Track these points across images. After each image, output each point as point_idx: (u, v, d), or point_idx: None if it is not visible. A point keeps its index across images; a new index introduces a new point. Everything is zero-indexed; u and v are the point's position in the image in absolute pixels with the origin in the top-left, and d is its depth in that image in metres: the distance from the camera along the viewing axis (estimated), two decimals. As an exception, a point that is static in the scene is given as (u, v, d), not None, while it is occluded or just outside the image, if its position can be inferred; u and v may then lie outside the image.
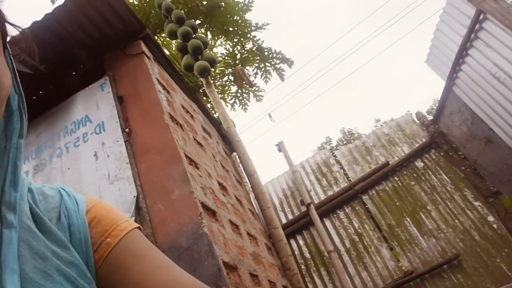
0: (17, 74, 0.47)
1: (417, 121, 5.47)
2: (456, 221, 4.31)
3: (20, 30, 0.49)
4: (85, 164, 2.47)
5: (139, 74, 2.92)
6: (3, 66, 0.44)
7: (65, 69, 3.16)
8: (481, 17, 4.04)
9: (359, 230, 4.66)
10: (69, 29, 2.81)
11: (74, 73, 3.21)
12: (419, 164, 4.90)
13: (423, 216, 4.50)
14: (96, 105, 2.77)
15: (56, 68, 3.06)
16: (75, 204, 0.55)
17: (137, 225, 0.59)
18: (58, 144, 2.66)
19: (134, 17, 3.02)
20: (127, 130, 2.58)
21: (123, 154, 2.42)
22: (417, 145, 5.06)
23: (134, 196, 2.19)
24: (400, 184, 4.83)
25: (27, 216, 0.47)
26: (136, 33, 3.15)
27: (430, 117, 5.58)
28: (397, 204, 4.68)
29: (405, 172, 4.89)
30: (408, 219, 4.54)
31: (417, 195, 4.66)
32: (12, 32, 0.49)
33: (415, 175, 4.82)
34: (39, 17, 2.61)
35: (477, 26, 4.21)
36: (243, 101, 6.99)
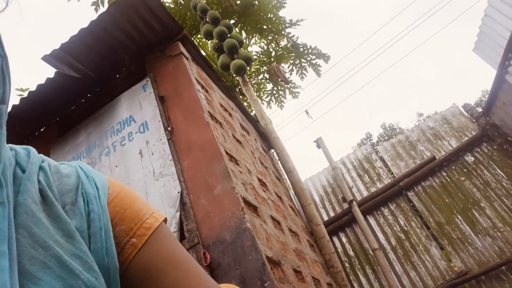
0: (0, 35, 0.41)
1: (465, 113, 5.13)
2: (515, 218, 3.98)
3: None
4: (131, 162, 2.56)
5: (179, 74, 2.99)
6: None
7: (109, 72, 3.31)
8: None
9: (405, 228, 4.45)
10: (113, 33, 2.94)
11: (117, 75, 3.36)
12: (469, 158, 4.59)
13: (476, 214, 4.20)
14: (139, 106, 2.87)
15: (101, 72, 3.22)
16: (95, 189, 0.51)
17: (163, 217, 0.55)
18: (106, 143, 2.79)
19: (172, 19, 3.09)
20: (169, 128, 2.65)
21: (167, 152, 2.48)
22: (466, 138, 4.74)
23: (179, 192, 2.24)
24: (449, 179, 4.55)
25: (32, 199, 0.42)
26: (174, 34, 3.23)
27: (479, 110, 5.22)
28: (446, 200, 4.41)
29: (453, 167, 4.60)
30: (459, 216, 4.26)
31: (469, 192, 4.36)
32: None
33: (465, 170, 4.53)
34: (84, 24, 2.75)
35: (533, 7, 3.87)
36: (279, 98, 6.95)
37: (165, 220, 0.56)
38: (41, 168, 0.47)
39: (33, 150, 0.50)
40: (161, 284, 0.47)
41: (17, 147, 0.49)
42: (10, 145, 0.47)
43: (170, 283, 0.48)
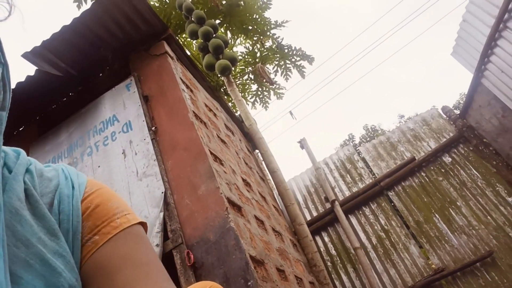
0: (1, 43, 0.41)
1: (444, 116, 5.30)
2: (489, 217, 4.15)
3: None
4: (114, 162, 2.54)
5: (163, 73, 2.98)
6: None
7: (92, 71, 3.26)
8: (510, 6, 3.88)
9: (385, 227, 4.57)
10: (96, 31, 2.90)
11: (101, 74, 3.31)
12: (447, 159, 4.75)
13: (452, 213, 4.35)
14: (123, 105, 2.84)
15: (84, 70, 3.17)
16: (70, 189, 0.49)
17: (138, 220, 0.51)
18: (88, 143, 2.75)
19: (157, 18, 3.08)
20: (153, 128, 2.64)
21: (150, 152, 2.47)
22: (444, 139, 4.90)
23: (162, 192, 2.24)
24: (428, 179, 4.69)
25: (17, 197, 0.42)
26: (159, 33, 3.22)
27: (457, 112, 5.40)
28: (425, 200, 4.55)
29: (432, 168, 4.75)
30: (437, 215, 4.41)
31: (446, 191, 4.51)
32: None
33: (443, 170, 4.68)
34: (67, 21, 2.71)
35: (506, 16, 4.04)
36: (263, 99, 7.00)
37: (143, 225, 0.53)
38: (27, 170, 0.48)
39: (23, 152, 0.50)
40: (112, 282, 0.44)
41: (8, 149, 0.49)
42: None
43: (122, 282, 0.44)
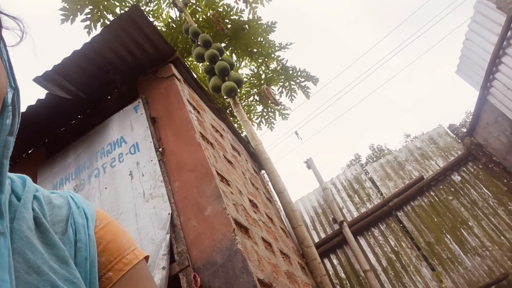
0: (12, 67, 0.42)
1: (451, 134, 5.26)
2: (502, 237, 4.03)
3: (15, 20, 0.43)
4: (121, 183, 2.54)
5: (171, 95, 3.02)
6: None
7: (101, 94, 3.32)
8: (513, 23, 3.93)
9: (395, 248, 4.46)
10: (106, 56, 2.98)
11: (109, 97, 3.37)
12: (456, 177, 4.68)
13: (465, 233, 4.25)
14: (130, 127, 2.87)
15: (93, 93, 3.23)
16: (85, 219, 0.52)
17: (144, 255, 0.56)
18: (96, 164, 2.77)
19: (164, 42, 3.16)
20: (160, 149, 2.65)
21: (157, 173, 2.47)
22: (453, 158, 4.85)
23: (169, 214, 2.22)
24: (437, 199, 4.61)
25: (27, 226, 0.43)
26: (166, 57, 3.28)
27: (464, 130, 5.37)
28: (435, 220, 4.46)
29: (441, 187, 4.68)
30: (448, 236, 4.30)
31: (457, 211, 4.42)
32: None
33: (452, 189, 4.60)
34: (77, 46, 2.79)
35: (509, 33, 4.07)
36: (269, 119, 7.03)
37: (146, 258, 0.57)
38: (35, 197, 0.49)
39: (28, 179, 0.51)
40: None
41: (13, 175, 0.50)
42: None
43: None
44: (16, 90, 0.43)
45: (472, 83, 5.56)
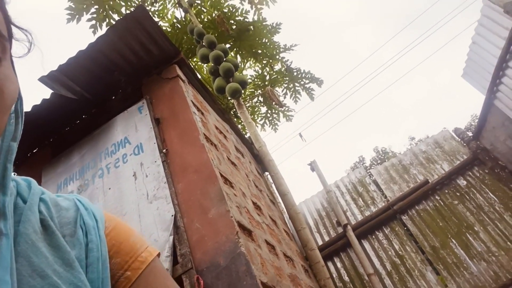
0: (17, 77, 0.44)
1: (457, 138, 5.22)
2: (509, 243, 3.98)
3: (25, 32, 0.45)
4: (125, 184, 2.53)
5: (175, 96, 3.01)
6: (9, 71, 0.40)
7: (106, 94, 3.32)
8: (521, 26, 3.88)
9: (400, 252, 4.42)
10: (110, 56, 2.98)
11: (114, 97, 3.37)
12: (462, 182, 4.63)
13: (470, 238, 4.20)
14: (134, 127, 2.87)
15: (98, 94, 3.23)
16: (94, 220, 0.53)
17: (157, 252, 0.57)
18: (100, 165, 2.76)
19: (169, 43, 3.15)
20: (164, 150, 2.64)
21: (161, 174, 2.46)
22: (458, 162, 4.80)
23: (172, 215, 2.20)
24: (442, 203, 4.57)
25: (33, 228, 0.43)
26: (171, 57, 3.28)
27: (469, 134, 5.32)
28: (440, 224, 4.41)
29: (446, 191, 4.63)
30: (453, 240, 4.25)
31: (462, 215, 4.37)
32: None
33: (458, 193, 4.55)
34: (83, 46, 2.79)
35: (517, 36, 4.03)
36: (273, 121, 7.02)
37: (158, 255, 0.58)
38: (41, 199, 0.49)
39: (34, 181, 0.52)
40: None
41: (18, 178, 0.51)
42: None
43: None
44: (19, 99, 0.45)
45: (478, 87, 5.51)
